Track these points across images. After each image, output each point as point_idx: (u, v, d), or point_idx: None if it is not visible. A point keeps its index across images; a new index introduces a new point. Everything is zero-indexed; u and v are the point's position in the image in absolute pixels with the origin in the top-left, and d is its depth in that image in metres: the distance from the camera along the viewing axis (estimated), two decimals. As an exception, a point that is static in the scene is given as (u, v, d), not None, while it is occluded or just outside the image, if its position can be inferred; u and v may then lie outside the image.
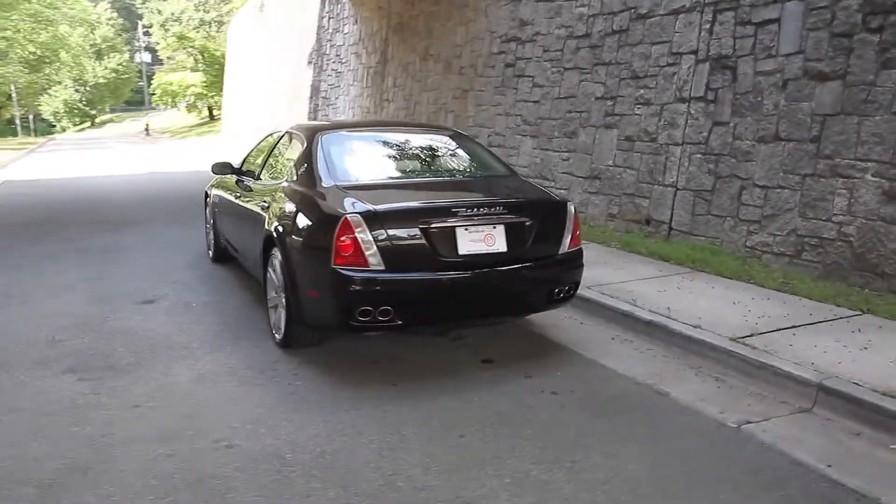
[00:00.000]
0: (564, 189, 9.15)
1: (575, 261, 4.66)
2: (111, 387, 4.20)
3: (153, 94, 51.39)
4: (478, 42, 11.52)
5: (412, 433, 3.58)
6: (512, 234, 4.30)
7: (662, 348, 4.86)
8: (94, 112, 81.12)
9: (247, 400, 4.00)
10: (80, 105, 76.88)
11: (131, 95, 76.52)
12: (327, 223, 4.13)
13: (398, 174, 5.23)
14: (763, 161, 6.56)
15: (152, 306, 5.86)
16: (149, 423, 3.71)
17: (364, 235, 4.00)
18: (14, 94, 53.36)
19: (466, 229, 4.17)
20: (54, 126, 77.00)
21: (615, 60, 8.44)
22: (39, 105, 74.26)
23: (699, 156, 7.24)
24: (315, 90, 19.51)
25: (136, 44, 73.80)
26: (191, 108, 52.67)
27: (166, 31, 47.46)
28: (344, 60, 17.48)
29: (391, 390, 4.12)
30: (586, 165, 8.84)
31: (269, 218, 4.90)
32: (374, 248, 4.00)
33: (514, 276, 4.33)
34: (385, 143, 5.45)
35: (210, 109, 49.94)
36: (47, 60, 54.51)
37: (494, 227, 4.25)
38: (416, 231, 4.07)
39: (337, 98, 17.88)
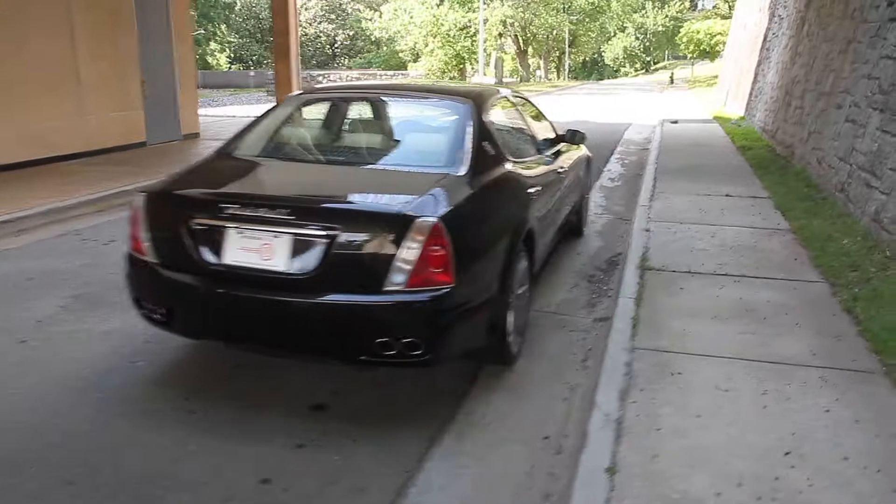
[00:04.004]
0: (885, 194, 6.01)
1: (417, 305, 3.02)
2: (62, 319, 4.61)
3: (679, 45, 50.82)
4: (872, -29, 8.15)
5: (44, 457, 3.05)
6: (299, 249, 3.10)
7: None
8: (648, 59, 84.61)
9: (74, 365, 3.90)
10: (637, 52, 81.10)
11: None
12: None
13: (294, 150, 4.25)
14: None
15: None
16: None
17: (144, 221, 3.43)
18: (567, 41, 59.14)
19: (240, 232, 3.17)
20: (617, 71, 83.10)
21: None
22: (604, 51, 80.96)
23: None
24: (764, 40, 16.60)
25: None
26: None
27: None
28: (786, 3, 14.35)
29: (175, 407, 3.48)
30: (911, 163, 5.63)
31: None
32: (149, 237, 3.41)
33: (283, 306, 3.13)
34: (344, 112, 4.43)
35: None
36: (601, 11, 58.88)
37: (277, 237, 3.11)
38: (178, 224, 3.28)
39: (773, 50, 14.89)
